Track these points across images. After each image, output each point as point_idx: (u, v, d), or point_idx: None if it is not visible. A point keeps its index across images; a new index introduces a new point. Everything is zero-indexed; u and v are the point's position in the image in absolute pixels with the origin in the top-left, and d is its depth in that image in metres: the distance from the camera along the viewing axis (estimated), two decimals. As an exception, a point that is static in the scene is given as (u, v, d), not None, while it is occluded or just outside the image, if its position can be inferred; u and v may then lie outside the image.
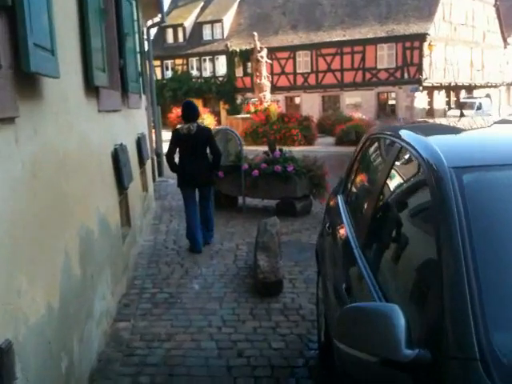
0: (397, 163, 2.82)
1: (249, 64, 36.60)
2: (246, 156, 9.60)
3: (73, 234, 3.70)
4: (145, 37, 12.65)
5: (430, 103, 36.93)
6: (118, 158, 5.50)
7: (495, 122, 3.64)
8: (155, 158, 13.08)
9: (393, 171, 2.83)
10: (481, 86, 40.83)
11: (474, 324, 1.61)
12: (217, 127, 21.85)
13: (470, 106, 32.84)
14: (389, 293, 2.28)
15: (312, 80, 38.71)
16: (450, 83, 37.28)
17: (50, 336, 2.96)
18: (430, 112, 36.14)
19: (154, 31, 31.23)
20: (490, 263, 1.79)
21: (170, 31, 43.54)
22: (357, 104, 36.31)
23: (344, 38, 36.72)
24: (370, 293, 2.40)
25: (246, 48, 37.44)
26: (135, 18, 7.88)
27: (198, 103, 28.95)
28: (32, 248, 2.79)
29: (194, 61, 43.17)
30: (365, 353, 1.76)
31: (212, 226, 7.61)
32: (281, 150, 9.63)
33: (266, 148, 10.09)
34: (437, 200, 2.04)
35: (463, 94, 38.73)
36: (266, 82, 26.83)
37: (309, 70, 38.70)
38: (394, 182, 2.83)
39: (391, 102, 36.94)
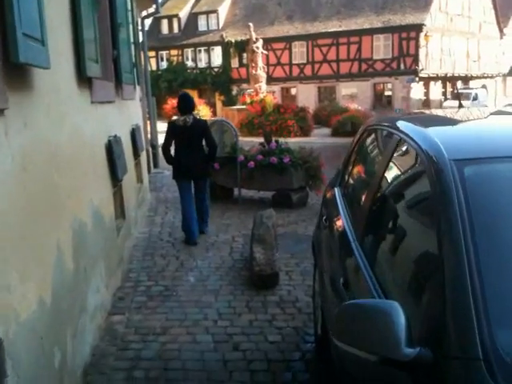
0: (395, 155, 2.77)
1: (244, 55, 36.51)
2: (241, 147, 9.57)
3: (65, 228, 3.64)
4: (139, 27, 12.56)
5: (426, 94, 36.89)
6: (111, 149, 5.44)
7: (491, 114, 3.61)
8: (150, 149, 13.02)
9: (391, 163, 2.78)
10: (477, 77, 40.78)
11: (477, 321, 1.56)
12: (212, 118, 21.83)
13: (466, 97, 32.73)
14: (387, 287, 2.24)
15: (308, 71, 38.61)
16: (446, 74, 37.22)
17: (41, 332, 2.91)
18: (426, 103, 36.09)
19: (148, 22, 31.02)
20: (492, 258, 1.74)
21: (164, 22, 43.31)
22: (353, 95, 36.25)
23: (340, 29, 36.61)
24: (368, 287, 2.36)
25: (241, 39, 37.32)
26: (129, 8, 7.81)
27: (194, 94, 28.85)
28: (22, 243, 2.73)
29: (189, 52, 42.99)
30: (364, 351, 1.71)
31: (207, 218, 7.61)
32: (277, 142, 9.61)
33: (261, 139, 10.06)
34: (437, 193, 2.00)
35: (459, 84, 38.65)
36: (261, 73, 26.74)
37: (305, 61, 38.60)
38: (392, 175, 2.78)
39: (387, 92, 36.87)
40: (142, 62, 13.00)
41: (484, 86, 38.68)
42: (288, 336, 4.56)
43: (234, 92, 39.87)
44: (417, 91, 35.40)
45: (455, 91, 35.24)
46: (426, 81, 36.35)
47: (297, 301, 5.28)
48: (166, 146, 7.08)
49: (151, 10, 13.14)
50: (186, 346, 4.39)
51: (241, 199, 9.54)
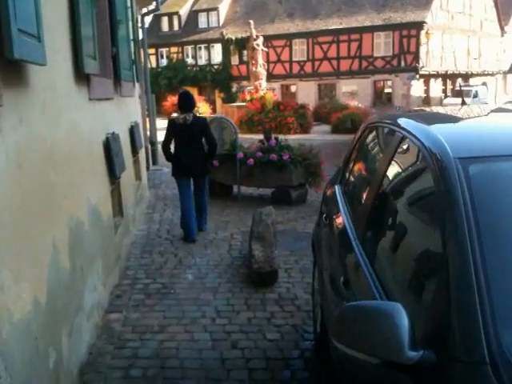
0: (398, 153, 2.72)
1: (244, 52, 36.43)
2: (241, 144, 9.54)
3: (61, 226, 3.59)
4: (139, 25, 12.51)
5: (427, 91, 36.82)
6: (109, 146, 5.39)
7: (492, 111, 3.57)
8: (149, 146, 12.97)
9: (394, 161, 2.73)
10: (477, 75, 40.74)
11: (483, 322, 1.52)
12: (212, 115, 21.77)
13: (467, 94, 32.72)
14: (389, 287, 2.19)
15: (308, 68, 38.54)
16: (446, 71, 37.16)
17: (36, 332, 2.86)
18: (427, 100, 36.05)
19: (148, 19, 30.94)
20: (498, 257, 1.70)
21: (165, 19, 43.22)
22: (353, 92, 36.20)
23: (341, 26, 36.54)
24: (369, 286, 2.32)
25: (241, 36, 37.25)
26: (128, 5, 7.77)
27: (194, 91, 28.83)
28: (17, 242, 2.68)
29: (189, 49, 42.92)
30: (365, 354, 1.67)
31: (206, 215, 7.61)
32: (276, 139, 9.57)
33: (261, 136, 10.02)
34: (442, 192, 1.95)
35: (459, 81, 38.59)
36: (261, 70, 26.71)
37: (305, 58, 38.53)
38: (394, 172, 2.74)
39: (387, 90, 36.82)
40: (142, 59, 12.95)
41: (484, 84, 38.65)
42: (287, 334, 4.52)
43: (234, 89, 39.81)
44: (417, 88, 35.34)
45: (457, 88, 35.16)
46: (427, 78, 36.29)
47: (296, 298, 5.25)
48: (165, 144, 7.10)
49: (151, 7, 13.13)
50: (184, 344, 4.35)
51: (240, 196, 9.51)
